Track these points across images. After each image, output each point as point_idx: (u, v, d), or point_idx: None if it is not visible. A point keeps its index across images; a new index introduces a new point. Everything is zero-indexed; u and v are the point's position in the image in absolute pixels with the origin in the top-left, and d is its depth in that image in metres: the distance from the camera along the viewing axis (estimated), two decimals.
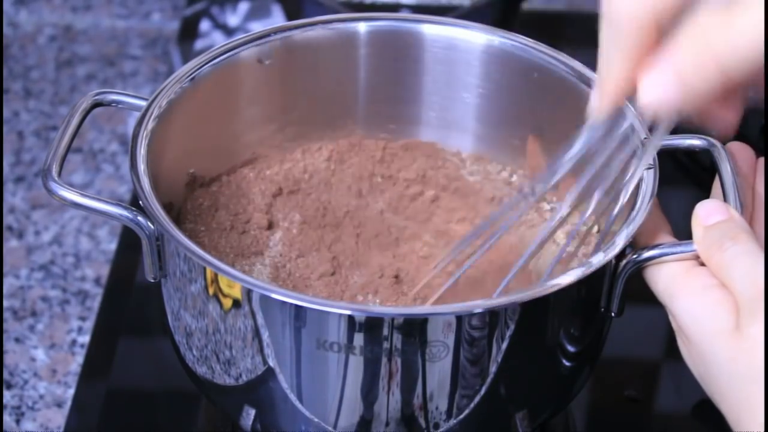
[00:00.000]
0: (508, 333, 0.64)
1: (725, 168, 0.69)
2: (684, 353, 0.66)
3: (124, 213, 0.68)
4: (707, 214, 0.65)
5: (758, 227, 0.68)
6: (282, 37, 0.78)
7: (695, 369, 0.65)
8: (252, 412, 0.70)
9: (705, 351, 0.63)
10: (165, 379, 0.83)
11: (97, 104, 0.74)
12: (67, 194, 0.68)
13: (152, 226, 0.67)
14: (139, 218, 0.67)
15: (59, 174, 0.68)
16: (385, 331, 0.63)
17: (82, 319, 0.90)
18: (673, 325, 0.67)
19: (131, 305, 0.88)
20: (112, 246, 0.95)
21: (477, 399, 0.67)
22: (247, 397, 0.69)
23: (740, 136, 0.74)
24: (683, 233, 0.69)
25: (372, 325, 0.63)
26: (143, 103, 0.73)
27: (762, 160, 0.71)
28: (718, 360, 0.62)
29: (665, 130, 0.64)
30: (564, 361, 0.69)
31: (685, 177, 0.98)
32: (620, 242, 0.65)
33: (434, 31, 0.80)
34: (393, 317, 0.62)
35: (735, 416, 0.62)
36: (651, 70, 0.59)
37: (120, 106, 0.74)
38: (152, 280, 0.70)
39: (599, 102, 0.63)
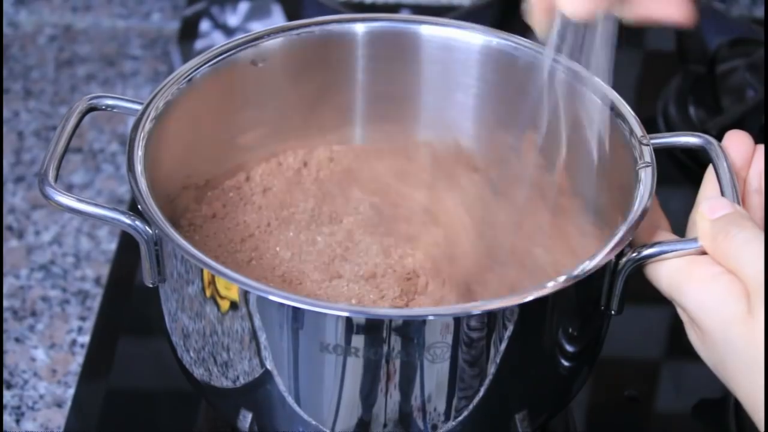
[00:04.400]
0: (507, 334, 0.64)
1: (722, 165, 0.69)
2: (696, 344, 0.66)
3: (122, 218, 0.67)
4: (712, 209, 0.65)
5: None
6: (280, 38, 0.78)
7: (709, 359, 0.65)
8: (249, 415, 0.70)
9: (718, 339, 0.63)
10: (165, 380, 0.83)
11: (92, 108, 0.73)
12: (63, 200, 0.68)
13: (150, 231, 0.67)
14: (137, 223, 0.67)
15: (56, 179, 0.68)
16: (384, 333, 0.63)
17: (82, 319, 0.90)
18: (683, 317, 0.67)
19: (131, 305, 0.88)
20: (112, 246, 0.95)
21: (476, 400, 0.67)
22: (244, 400, 0.69)
23: None
24: (681, 231, 0.69)
25: (370, 327, 0.63)
26: (138, 107, 0.73)
27: (760, 147, 0.71)
28: (733, 347, 0.62)
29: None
30: (563, 361, 0.69)
31: (683, 175, 0.98)
32: (620, 240, 0.65)
33: (432, 32, 0.80)
34: (391, 319, 0.62)
35: (753, 402, 0.62)
36: None
37: (115, 110, 0.74)
38: (151, 285, 0.70)
39: (537, 18, 0.66)
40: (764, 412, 0.60)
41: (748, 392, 0.62)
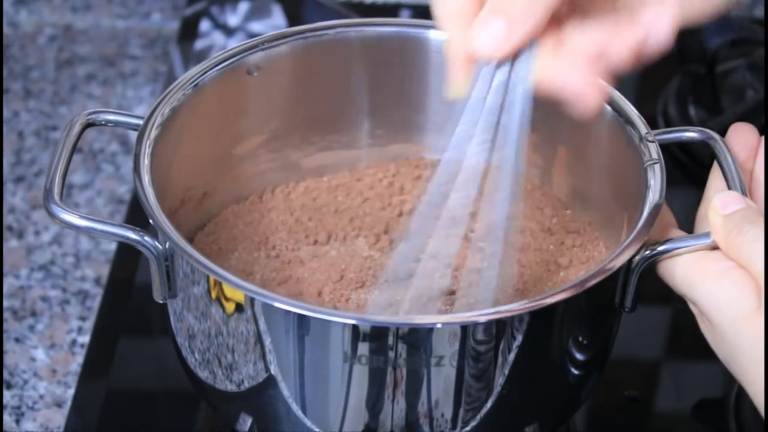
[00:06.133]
0: (516, 342, 0.64)
1: (726, 160, 0.69)
2: (708, 338, 0.66)
3: (131, 234, 0.66)
4: (724, 204, 0.65)
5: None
6: (284, 43, 0.77)
7: (720, 353, 0.65)
8: (249, 419, 0.69)
9: (728, 334, 0.63)
10: (165, 380, 0.84)
11: (90, 124, 0.72)
12: (69, 218, 0.66)
13: (160, 246, 0.66)
14: (146, 239, 0.66)
15: (61, 196, 0.67)
16: (390, 341, 0.62)
17: (82, 319, 0.90)
18: (695, 311, 0.67)
19: (131, 305, 0.88)
20: (112, 246, 0.95)
21: (484, 409, 0.66)
22: (248, 404, 0.69)
23: None
24: (685, 230, 0.69)
25: (376, 335, 0.62)
26: (137, 121, 0.72)
27: (763, 139, 0.71)
28: (742, 343, 0.62)
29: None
30: (573, 368, 0.69)
31: (681, 174, 0.98)
32: (635, 241, 0.65)
33: (439, 37, 0.79)
34: (398, 327, 0.62)
35: (762, 398, 0.62)
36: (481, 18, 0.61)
37: (116, 126, 0.73)
38: (161, 302, 0.69)
39: (459, 73, 0.64)
40: (764, 407, 0.61)
41: (757, 388, 0.62)
